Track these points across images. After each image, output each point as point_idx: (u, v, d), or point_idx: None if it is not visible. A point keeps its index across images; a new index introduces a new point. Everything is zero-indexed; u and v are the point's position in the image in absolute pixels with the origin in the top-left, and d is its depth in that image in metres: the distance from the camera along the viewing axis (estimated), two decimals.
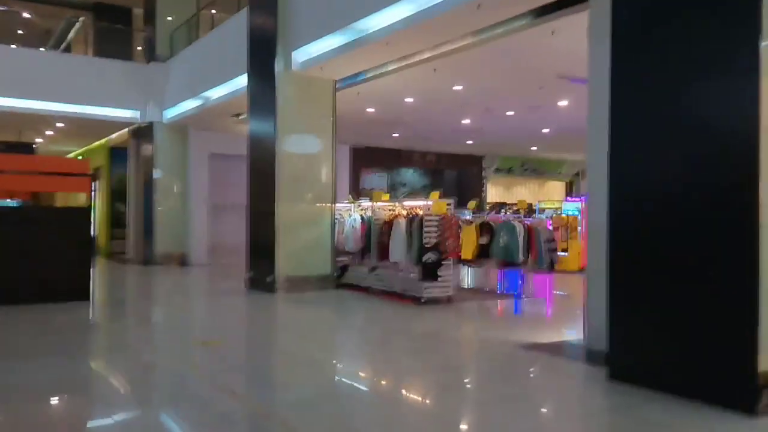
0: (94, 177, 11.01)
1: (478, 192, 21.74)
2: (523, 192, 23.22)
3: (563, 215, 14.27)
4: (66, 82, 14.07)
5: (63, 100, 14.09)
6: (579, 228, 13.61)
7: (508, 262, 9.30)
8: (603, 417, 4.15)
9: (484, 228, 9.40)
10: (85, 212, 9.11)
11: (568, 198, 17.54)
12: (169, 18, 15.70)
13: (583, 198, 14.96)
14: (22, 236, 8.17)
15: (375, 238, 9.33)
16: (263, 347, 6.59)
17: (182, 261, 15.19)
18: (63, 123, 15.34)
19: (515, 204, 19.15)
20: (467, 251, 9.21)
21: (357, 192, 17.64)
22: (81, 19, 17.07)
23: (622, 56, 4.62)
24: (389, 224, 8.96)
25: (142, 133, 15.44)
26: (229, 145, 14.92)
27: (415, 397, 4.72)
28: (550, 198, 21.13)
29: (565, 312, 8.96)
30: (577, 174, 24.37)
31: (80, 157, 19.44)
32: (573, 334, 6.81)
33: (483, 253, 9.36)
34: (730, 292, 3.85)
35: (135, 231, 16.04)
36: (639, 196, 4.49)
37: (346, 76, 10.02)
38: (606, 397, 4.42)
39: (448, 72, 9.85)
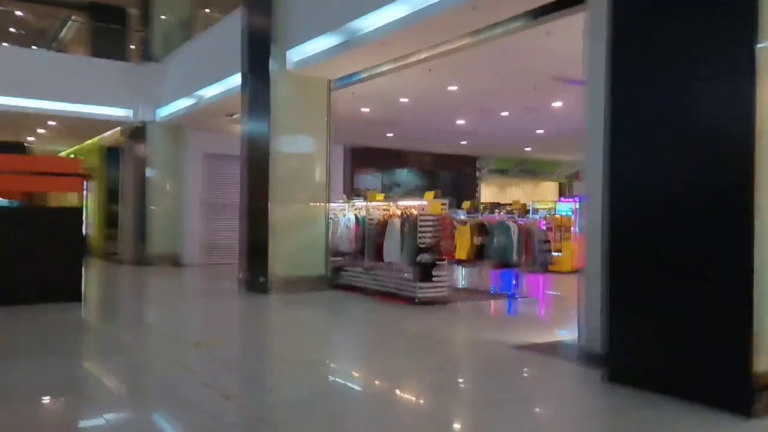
0: (88, 177, 10.95)
1: (472, 193, 21.77)
2: (517, 192, 23.25)
3: (557, 215, 14.29)
4: (59, 81, 13.98)
5: (56, 98, 14.00)
6: (573, 228, 13.64)
7: (503, 263, 9.30)
8: (600, 418, 4.14)
9: (479, 228, 9.39)
10: (77, 212, 9.05)
11: (562, 198, 17.55)
12: (163, 17, 15.64)
13: (576, 198, 14.99)
14: (14, 236, 8.10)
15: (369, 238, 9.31)
16: (257, 348, 6.56)
17: (176, 261, 15.12)
18: (55, 122, 15.25)
19: (509, 204, 19.16)
20: (462, 252, 9.20)
21: (352, 192, 17.62)
22: (75, 18, 17.00)
23: (620, 57, 4.61)
24: (384, 224, 8.95)
25: (136, 132, 15.36)
26: (223, 144, 14.86)
27: (410, 398, 4.70)
28: (544, 198, 21.16)
29: (560, 312, 8.97)
30: (571, 175, 24.44)
31: (73, 155, 19.33)
32: (567, 334, 6.82)
33: (478, 254, 9.35)
34: (726, 294, 3.86)
35: (128, 231, 15.96)
36: (638, 197, 4.49)
37: (341, 76, 9.99)
38: (602, 398, 4.42)
39: (443, 72, 9.84)
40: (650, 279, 4.34)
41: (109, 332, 7.28)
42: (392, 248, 8.66)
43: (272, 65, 9.70)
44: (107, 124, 15.52)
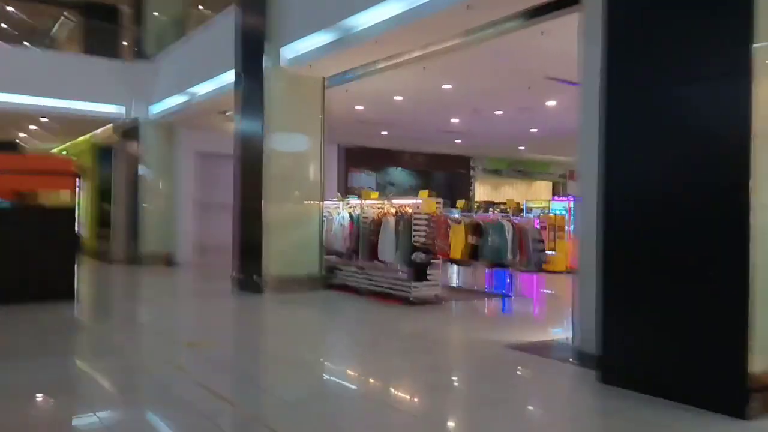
0: (80, 175, 10.88)
1: (466, 192, 21.79)
2: (510, 192, 23.29)
3: (551, 215, 14.32)
4: (52, 78, 13.87)
5: (48, 95, 13.90)
6: (566, 228, 13.67)
7: (497, 262, 9.30)
8: (594, 419, 4.14)
9: (474, 228, 9.39)
10: (70, 211, 8.99)
11: (555, 198, 17.59)
12: (156, 13, 15.55)
13: (569, 198, 15.03)
14: (6, 236, 8.02)
15: (364, 237, 9.29)
16: (251, 348, 6.53)
17: (169, 260, 15.05)
18: (47, 119, 15.15)
19: (503, 203, 19.18)
20: (456, 251, 9.20)
21: (346, 190, 17.59)
22: (68, 15, 16.89)
23: (615, 57, 4.60)
24: (378, 223, 8.93)
25: (128, 130, 15.27)
26: (216, 143, 14.80)
27: (405, 398, 4.68)
28: (538, 197, 21.20)
29: (554, 312, 8.99)
30: (564, 175, 24.52)
31: (65, 153, 19.21)
32: (562, 334, 6.83)
33: (472, 253, 9.35)
34: (723, 294, 3.85)
35: (121, 230, 15.87)
36: (632, 197, 4.47)
37: (336, 74, 9.96)
38: (597, 398, 4.42)
39: (438, 71, 9.83)
40: (645, 279, 4.33)
41: (102, 332, 7.23)
42: (387, 247, 8.64)
43: (266, 63, 9.66)
44: (99, 121, 15.42)
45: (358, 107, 13.22)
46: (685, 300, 4.06)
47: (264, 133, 9.61)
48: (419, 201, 8.67)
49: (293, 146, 9.90)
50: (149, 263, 14.72)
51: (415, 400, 4.61)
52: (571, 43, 5.99)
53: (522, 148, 20.07)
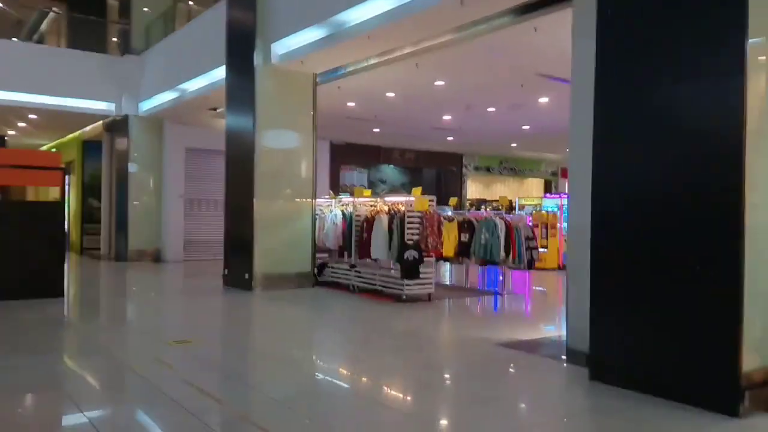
0: (66, 171, 10.74)
1: (457, 189, 21.78)
2: (502, 189, 23.32)
3: (543, 212, 14.33)
4: (39, 74, 13.73)
5: (36, 91, 13.75)
6: (558, 225, 13.69)
7: (488, 260, 9.28)
8: (586, 417, 4.11)
9: (465, 225, 9.36)
10: (58, 207, 8.89)
11: (547, 195, 17.61)
12: (146, 9, 15.42)
13: (561, 195, 15.05)
14: None
15: (356, 234, 9.24)
16: (239, 346, 6.46)
17: (156, 257, 14.96)
18: (36, 115, 14.98)
19: (495, 201, 19.19)
20: (448, 249, 9.16)
21: (339, 188, 17.53)
22: (55, 9, 16.69)
23: (608, 54, 4.57)
24: (370, 221, 8.88)
25: (117, 126, 15.14)
26: (205, 139, 14.72)
27: (395, 396, 4.64)
28: (530, 195, 21.23)
29: (545, 309, 8.97)
30: (555, 172, 24.57)
31: (54, 150, 19.03)
32: (553, 331, 6.82)
33: (464, 251, 9.32)
34: (715, 293, 3.83)
35: (108, 226, 15.75)
36: (624, 195, 4.43)
37: (327, 70, 9.90)
38: (589, 396, 4.39)
39: (430, 67, 9.78)
40: (638, 278, 4.31)
41: (89, 330, 7.14)
42: (379, 245, 8.59)
43: (256, 59, 9.58)
44: (89, 117, 15.28)
45: (350, 104, 13.16)
46: (679, 298, 4.03)
47: (255, 129, 9.53)
48: (412, 199, 8.62)
49: (284, 143, 9.83)
50: (137, 260, 14.63)
51: (407, 398, 4.57)
52: (563, 40, 5.97)
53: (514, 145, 20.08)
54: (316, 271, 10.02)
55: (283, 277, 9.62)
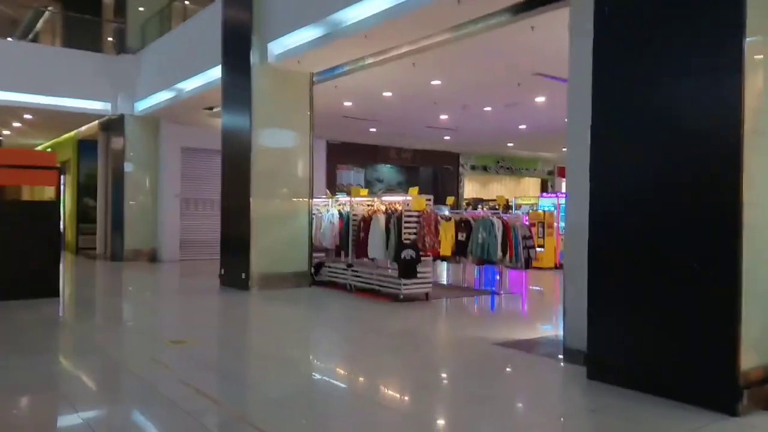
0: (61, 170, 10.71)
1: (454, 189, 21.77)
2: (499, 188, 23.33)
3: (539, 211, 14.34)
4: (34, 73, 13.66)
5: (31, 90, 13.68)
6: (555, 224, 13.70)
7: (486, 259, 9.27)
8: (585, 416, 4.10)
9: (462, 225, 9.35)
10: (53, 207, 8.85)
11: (544, 194, 17.62)
12: (141, 9, 15.37)
13: (557, 194, 15.06)
14: None
15: (353, 234, 9.23)
16: (236, 346, 6.44)
17: (153, 257, 14.91)
18: (31, 114, 14.92)
19: (492, 200, 19.17)
20: (445, 248, 9.15)
21: (335, 187, 17.52)
22: (50, 8, 16.63)
23: (607, 52, 4.56)
24: (367, 220, 8.86)
25: (113, 125, 15.09)
26: (201, 138, 14.68)
27: (393, 396, 4.63)
28: (526, 194, 21.25)
29: (542, 309, 8.98)
30: (552, 171, 24.60)
31: (49, 149, 18.97)
32: (551, 331, 6.81)
33: (461, 250, 9.31)
34: (713, 291, 3.83)
35: (104, 226, 15.70)
36: (622, 194, 4.43)
37: (324, 70, 9.87)
38: (587, 395, 4.38)
39: (427, 67, 9.77)
40: (636, 277, 4.30)
41: (85, 330, 7.11)
42: (376, 244, 8.58)
43: (253, 58, 9.55)
44: (85, 117, 15.22)
45: (347, 103, 13.14)
46: (678, 297, 4.02)
47: (251, 128, 9.50)
48: (409, 198, 8.61)
49: (281, 142, 9.81)
50: (133, 260, 14.59)
51: (404, 397, 4.56)
52: (560, 39, 5.96)
53: (510, 144, 20.09)
54: (313, 270, 10.00)
55: (280, 277, 9.60)
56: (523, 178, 24.65)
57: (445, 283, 10.65)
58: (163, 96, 13.45)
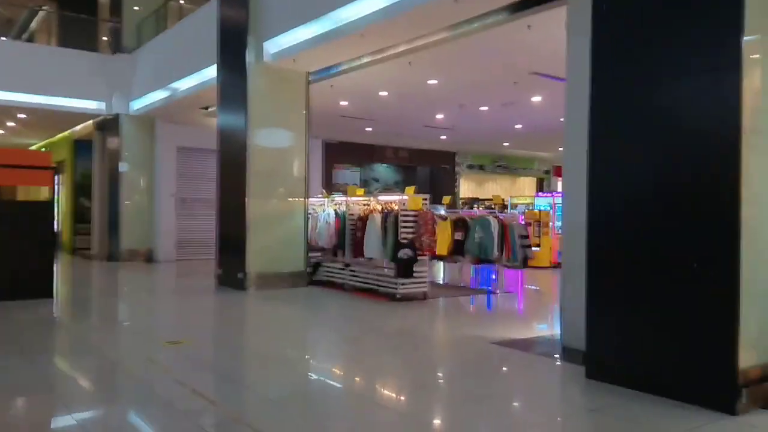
0: (56, 170, 10.64)
1: (450, 188, 21.77)
2: (495, 188, 23.34)
3: (535, 210, 14.34)
4: (29, 72, 13.60)
5: (26, 90, 13.62)
6: (551, 223, 13.70)
7: (483, 259, 9.26)
8: (583, 415, 4.09)
9: (459, 224, 9.34)
10: (48, 207, 8.81)
11: (540, 194, 17.62)
12: (136, 8, 15.32)
13: (553, 194, 15.07)
14: None
15: (349, 233, 9.21)
16: (233, 346, 6.41)
17: (149, 257, 14.86)
18: (25, 114, 14.85)
19: (489, 200, 19.18)
20: (442, 247, 9.14)
21: (331, 187, 17.49)
22: (45, 8, 16.56)
23: (604, 51, 4.54)
24: (364, 220, 8.84)
25: (108, 125, 15.03)
26: (197, 138, 14.64)
27: (390, 395, 4.61)
28: (522, 194, 21.25)
29: (539, 308, 8.97)
30: (548, 171, 24.62)
31: (44, 149, 18.89)
32: (548, 329, 6.81)
33: (457, 250, 9.30)
34: (712, 290, 3.82)
35: (100, 226, 15.63)
36: (619, 193, 4.41)
37: (320, 69, 9.84)
38: (585, 395, 4.37)
39: (424, 66, 9.76)
40: (634, 276, 4.29)
41: (81, 330, 7.07)
42: (373, 244, 8.56)
43: (248, 57, 9.51)
44: (80, 116, 15.16)
45: (343, 102, 13.12)
46: (677, 297, 4.02)
47: (247, 128, 9.47)
48: (405, 197, 8.59)
49: (277, 142, 9.78)
50: (129, 260, 14.53)
51: (401, 397, 4.54)
52: (557, 38, 5.96)
53: (506, 144, 20.10)
54: (310, 270, 9.98)
55: (277, 277, 9.58)
56: (519, 178, 24.67)
57: (441, 282, 10.63)
58: (159, 95, 13.40)
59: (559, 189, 18.09)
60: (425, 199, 8.66)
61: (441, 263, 10.75)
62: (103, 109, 14.74)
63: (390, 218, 8.40)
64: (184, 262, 14.44)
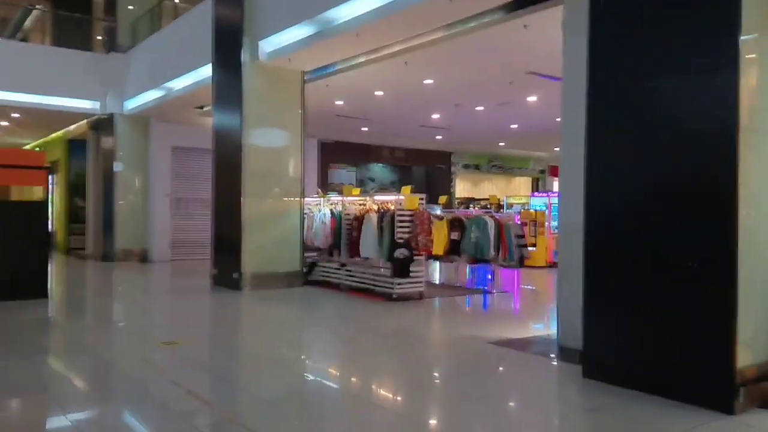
0: (50, 170, 10.57)
1: (446, 188, 21.77)
2: (490, 188, 23.35)
3: (531, 210, 14.35)
4: (23, 72, 13.52)
5: (20, 89, 13.55)
6: (546, 223, 13.71)
7: (479, 258, 9.25)
8: (582, 415, 4.08)
9: (455, 224, 9.33)
10: (42, 207, 8.76)
11: (535, 193, 17.65)
12: (131, 7, 15.26)
13: (548, 193, 15.08)
14: None
15: (345, 233, 9.18)
16: (228, 347, 6.38)
17: (143, 257, 14.80)
18: (19, 113, 14.77)
19: (484, 200, 19.19)
20: (438, 247, 9.13)
21: (326, 186, 17.47)
22: (39, 6, 16.48)
23: (602, 51, 4.53)
24: (360, 219, 8.82)
25: (102, 125, 14.96)
26: (192, 137, 14.59)
27: (386, 395, 4.59)
28: (518, 193, 21.27)
29: (535, 307, 8.97)
30: (543, 171, 24.65)
31: (38, 149, 18.80)
32: (544, 329, 6.80)
33: (454, 249, 9.29)
34: (709, 289, 3.82)
35: (94, 226, 15.57)
36: (617, 193, 4.40)
37: (316, 68, 9.82)
38: (582, 394, 4.36)
39: (420, 65, 9.74)
40: (630, 275, 4.28)
41: (75, 330, 7.02)
42: (369, 244, 8.53)
43: (244, 56, 9.48)
44: (74, 116, 15.09)
45: (339, 102, 13.09)
46: (673, 296, 4.01)
47: (242, 127, 9.44)
48: (401, 197, 8.58)
49: (272, 141, 9.74)
50: (123, 260, 14.48)
51: (398, 397, 4.52)
52: (553, 38, 5.95)
53: (502, 143, 20.11)
54: (305, 270, 9.95)
55: (273, 277, 9.55)
56: (515, 178, 24.69)
57: (438, 282, 10.62)
58: (154, 95, 13.35)
59: (555, 189, 18.10)
60: (422, 199, 8.65)
61: (437, 263, 10.74)
62: (97, 108, 14.67)
63: (386, 218, 8.38)
64: (178, 262, 14.39)
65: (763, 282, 3.94)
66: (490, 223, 9.03)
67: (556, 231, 11.92)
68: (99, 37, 16.32)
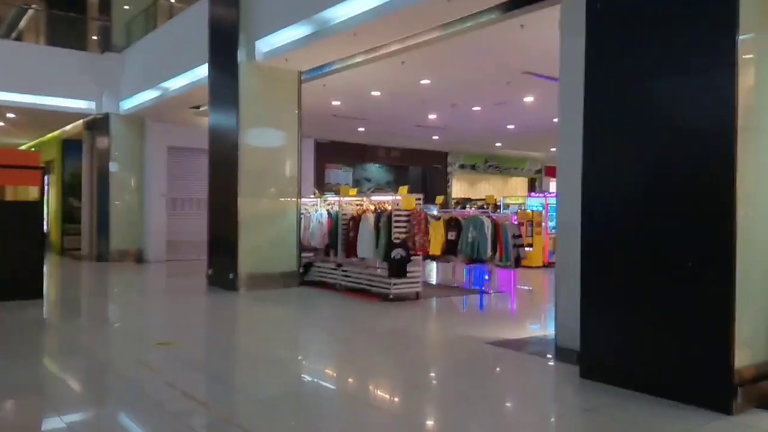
0: (45, 170, 10.51)
1: (442, 188, 21.77)
2: (487, 188, 23.35)
3: (528, 210, 14.35)
4: (17, 71, 13.45)
5: (14, 89, 13.47)
6: (543, 223, 13.71)
7: (475, 258, 9.23)
8: (579, 415, 4.07)
9: (452, 224, 9.31)
10: (37, 207, 8.71)
11: (532, 194, 17.65)
12: (126, 7, 15.21)
13: (545, 194, 15.09)
14: None
15: (342, 233, 9.16)
16: (224, 347, 6.36)
17: (139, 258, 14.75)
18: (14, 113, 14.70)
19: (481, 200, 19.16)
20: (435, 247, 9.10)
21: (323, 187, 17.44)
22: (34, 6, 16.41)
23: (599, 50, 4.52)
24: (356, 220, 8.80)
25: (97, 125, 14.90)
26: (188, 137, 14.54)
27: (383, 396, 4.57)
28: (514, 194, 21.28)
29: (532, 307, 8.96)
30: (540, 171, 24.67)
31: (33, 149, 18.72)
32: (541, 329, 6.79)
33: (450, 249, 9.27)
34: (707, 289, 3.81)
35: (89, 226, 15.51)
36: (616, 193, 4.39)
37: (312, 68, 9.79)
38: (580, 395, 4.36)
39: (416, 66, 9.73)
40: (628, 275, 4.28)
41: (70, 331, 6.98)
42: (366, 244, 8.52)
43: (240, 56, 9.45)
44: (69, 116, 15.02)
45: (335, 102, 13.07)
46: (670, 296, 4.00)
47: (238, 127, 9.40)
48: (398, 197, 8.56)
49: (268, 141, 9.71)
50: (119, 260, 14.42)
51: (395, 398, 4.51)
52: (550, 38, 5.94)
53: (499, 144, 20.12)
54: (301, 270, 9.92)
55: (269, 277, 9.51)
56: (511, 178, 24.71)
57: (434, 282, 10.61)
58: (149, 95, 13.30)
59: (551, 189, 18.09)
60: (419, 199, 8.63)
61: (434, 263, 10.72)
62: (92, 108, 14.60)
63: (383, 218, 8.36)
64: (174, 263, 14.34)
65: (761, 282, 3.94)
66: (487, 223, 9.01)
67: (553, 231, 11.92)
68: (94, 37, 16.24)
